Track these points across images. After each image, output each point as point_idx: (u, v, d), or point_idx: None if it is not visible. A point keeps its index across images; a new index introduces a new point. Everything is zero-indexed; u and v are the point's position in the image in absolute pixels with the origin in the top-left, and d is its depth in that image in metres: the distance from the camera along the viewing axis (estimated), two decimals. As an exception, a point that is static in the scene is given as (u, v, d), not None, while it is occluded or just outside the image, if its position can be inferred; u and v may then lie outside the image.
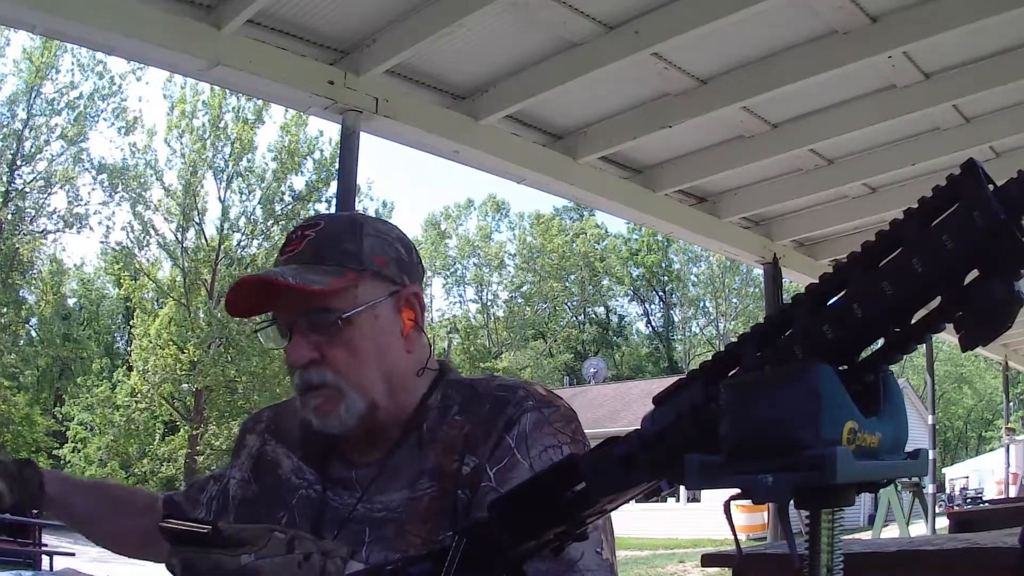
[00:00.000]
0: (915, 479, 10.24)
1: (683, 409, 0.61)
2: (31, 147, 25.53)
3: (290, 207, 26.16)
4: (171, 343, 23.89)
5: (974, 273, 0.53)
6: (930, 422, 8.75)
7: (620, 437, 0.64)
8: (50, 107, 25.54)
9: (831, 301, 0.57)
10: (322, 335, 1.15)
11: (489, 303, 38.22)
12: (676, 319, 43.13)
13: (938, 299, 0.54)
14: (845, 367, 0.56)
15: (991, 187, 0.52)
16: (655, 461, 0.62)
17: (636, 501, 0.72)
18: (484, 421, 1.14)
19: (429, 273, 34.24)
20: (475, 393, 1.20)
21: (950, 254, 0.52)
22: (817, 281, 0.58)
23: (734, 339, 0.61)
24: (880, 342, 0.57)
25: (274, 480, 1.24)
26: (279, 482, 1.23)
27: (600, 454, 0.64)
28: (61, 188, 26.27)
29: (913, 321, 0.55)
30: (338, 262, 1.15)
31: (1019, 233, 0.51)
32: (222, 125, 25.64)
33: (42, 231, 26.59)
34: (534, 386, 1.20)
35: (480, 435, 1.13)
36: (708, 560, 3.04)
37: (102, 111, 26.30)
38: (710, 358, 0.62)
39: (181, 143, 25.60)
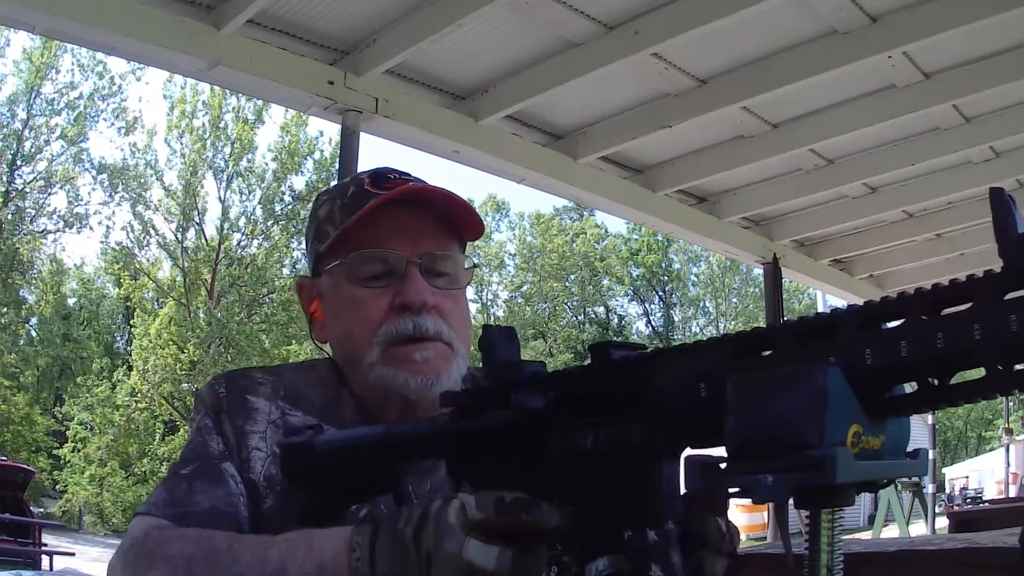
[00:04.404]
0: (915, 479, 10.23)
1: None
2: (31, 147, 25.46)
3: (290, 207, 26.09)
4: (171, 343, 23.82)
5: None
6: (930, 422, 8.76)
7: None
8: (50, 107, 25.47)
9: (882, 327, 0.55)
10: (440, 286, 1.07)
11: (489, 303, 38.17)
12: (676, 319, 43.10)
13: (983, 371, 0.51)
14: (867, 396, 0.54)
15: None
16: None
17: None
18: None
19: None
20: None
21: (1013, 336, 0.49)
22: (869, 300, 0.56)
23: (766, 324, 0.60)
24: (910, 388, 0.55)
25: None
26: None
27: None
28: (61, 188, 26.21)
29: (952, 381, 0.53)
30: None
31: None
32: (222, 125, 25.55)
33: (42, 231, 26.54)
34: None
35: None
36: (708, 560, 3.03)
37: (102, 111, 26.26)
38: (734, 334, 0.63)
39: (181, 143, 25.52)
